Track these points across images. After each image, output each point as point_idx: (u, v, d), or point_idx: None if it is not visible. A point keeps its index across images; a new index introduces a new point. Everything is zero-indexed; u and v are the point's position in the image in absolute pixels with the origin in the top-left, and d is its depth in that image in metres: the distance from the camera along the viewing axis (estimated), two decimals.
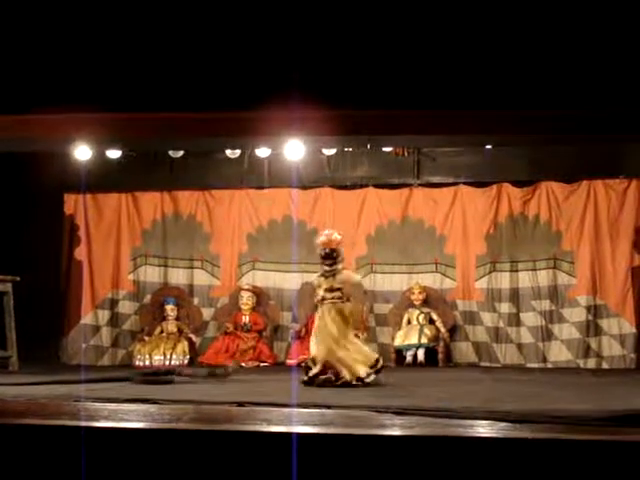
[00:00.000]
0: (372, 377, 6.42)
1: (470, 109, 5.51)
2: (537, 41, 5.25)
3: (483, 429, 3.98)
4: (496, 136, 6.77)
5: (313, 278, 6.92)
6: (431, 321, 9.46)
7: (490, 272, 9.64)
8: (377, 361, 6.55)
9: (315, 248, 6.83)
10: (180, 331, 9.72)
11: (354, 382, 6.34)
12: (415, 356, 9.18)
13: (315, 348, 6.57)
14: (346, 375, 6.37)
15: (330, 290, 6.61)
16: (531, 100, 5.37)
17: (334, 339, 6.49)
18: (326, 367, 6.46)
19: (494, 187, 9.71)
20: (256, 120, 5.81)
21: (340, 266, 6.69)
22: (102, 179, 9.73)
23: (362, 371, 6.40)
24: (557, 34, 5.22)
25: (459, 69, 5.40)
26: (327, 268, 6.63)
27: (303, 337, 9.36)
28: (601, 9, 5.18)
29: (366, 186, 9.92)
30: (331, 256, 6.63)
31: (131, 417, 4.43)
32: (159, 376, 6.83)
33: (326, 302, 6.60)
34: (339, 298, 6.59)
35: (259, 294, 9.87)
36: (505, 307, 9.58)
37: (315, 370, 6.47)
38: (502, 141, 7.90)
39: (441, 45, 5.34)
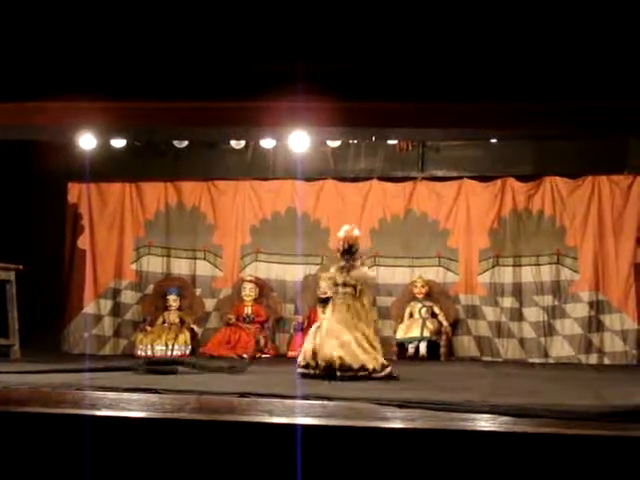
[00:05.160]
0: (381, 373, 6.38)
1: (476, 102, 5.50)
2: (546, 33, 5.23)
3: (484, 423, 3.99)
4: (502, 129, 6.75)
5: (332, 271, 6.73)
6: (433, 315, 9.45)
7: (493, 266, 9.64)
8: (384, 367, 6.44)
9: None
10: (182, 321, 9.71)
11: (359, 374, 6.31)
12: (417, 349, 9.19)
13: (312, 341, 6.54)
14: (352, 364, 6.33)
15: (343, 285, 6.57)
16: (539, 93, 5.36)
17: (338, 333, 6.44)
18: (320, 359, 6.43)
19: (498, 181, 9.69)
20: (261, 110, 5.80)
21: (358, 262, 6.68)
22: (106, 168, 9.72)
23: (370, 365, 6.36)
24: (565, 26, 5.20)
25: (465, 62, 5.38)
26: (344, 263, 6.61)
27: (305, 329, 9.37)
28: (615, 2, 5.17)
29: (370, 179, 9.92)
30: (349, 251, 6.62)
31: (133, 406, 4.44)
32: (163, 366, 6.83)
33: (338, 296, 6.56)
34: (351, 294, 6.54)
35: (262, 286, 9.87)
36: (507, 302, 9.58)
37: (308, 359, 6.44)
38: (508, 134, 7.87)
39: (447, 37, 5.32)
